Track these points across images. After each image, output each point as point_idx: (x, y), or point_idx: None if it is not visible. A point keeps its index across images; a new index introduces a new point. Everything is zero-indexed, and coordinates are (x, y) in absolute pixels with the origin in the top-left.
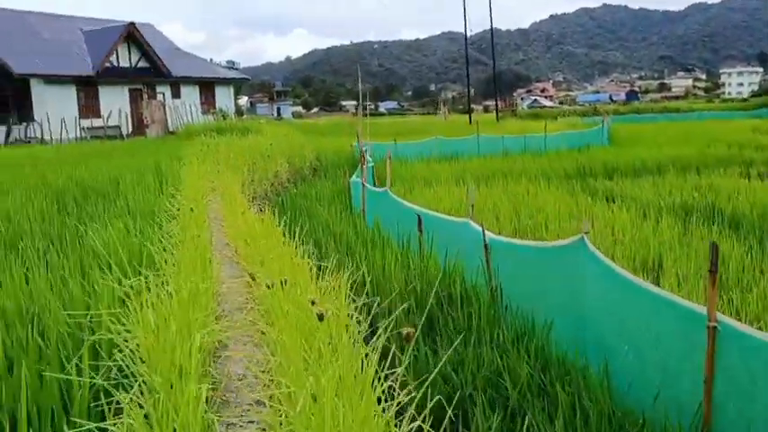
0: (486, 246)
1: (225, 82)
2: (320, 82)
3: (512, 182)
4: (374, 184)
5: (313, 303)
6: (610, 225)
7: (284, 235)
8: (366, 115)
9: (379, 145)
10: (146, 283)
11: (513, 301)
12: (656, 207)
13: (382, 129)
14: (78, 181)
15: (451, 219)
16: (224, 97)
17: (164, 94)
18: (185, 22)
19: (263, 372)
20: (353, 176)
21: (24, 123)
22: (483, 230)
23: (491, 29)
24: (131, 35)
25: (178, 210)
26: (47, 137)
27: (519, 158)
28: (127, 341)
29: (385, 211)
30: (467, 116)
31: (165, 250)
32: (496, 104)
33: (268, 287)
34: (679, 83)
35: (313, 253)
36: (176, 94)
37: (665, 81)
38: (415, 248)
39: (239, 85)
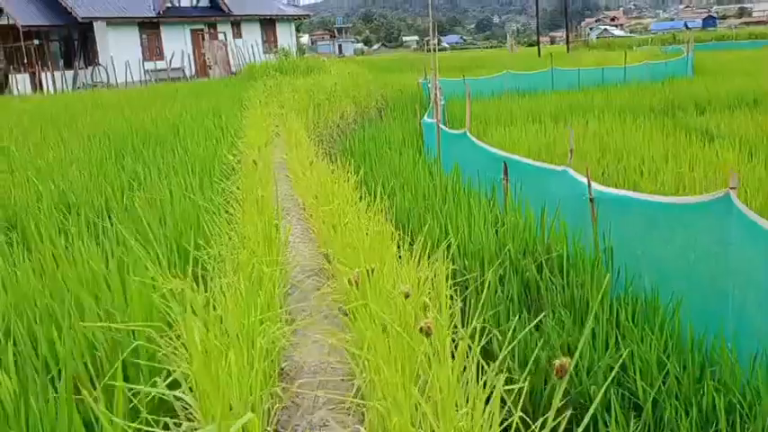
0: (591, 200)
1: (286, 19)
2: (381, 17)
3: (593, 119)
4: (446, 125)
5: (407, 296)
6: (713, 167)
7: (358, 187)
8: (433, 50)
9: (447, 81)
10: (194, 280)
11: (629, 270)
12: (762, 144)
13: (447, 64)
14: (138, 128)
15: (545, 166)
16: (286, 35)
17: (225, 34)
18: None
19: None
20: (425, 116)
21: (90, 67)
22: (588, 181)
23: None
24: None
25: (239, 162)
26: (112, 80)
27: (598, 92)
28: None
29: (463, 156)
30: (534, 48)
31: (225, 214)
32: (567, 35)
33: (350, 283)
34: (761, 7)
35: (390, 209)
36: (238, 34)
37: (745, 5)
38: (501, 202)
39: (300, 23)
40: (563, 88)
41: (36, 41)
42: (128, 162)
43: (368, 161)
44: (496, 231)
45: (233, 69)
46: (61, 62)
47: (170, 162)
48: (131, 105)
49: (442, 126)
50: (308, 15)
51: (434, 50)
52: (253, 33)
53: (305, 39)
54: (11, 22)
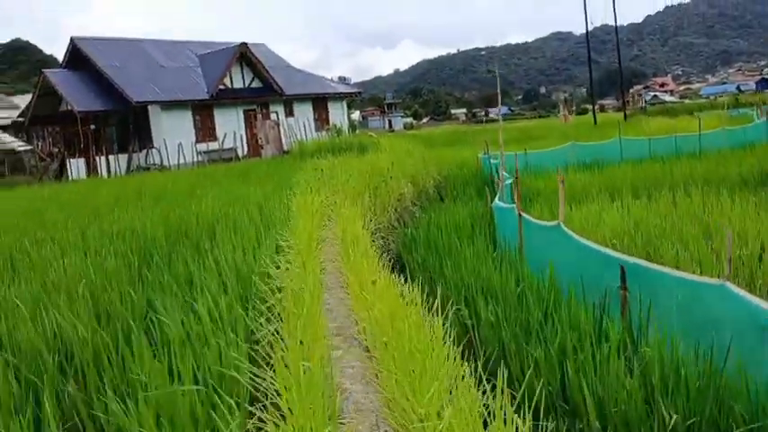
0: None
1: (338, 97)
2: (429, 92)
3: (678, 193)
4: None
5: None
6: None
7: (433, 314)
8: (485, 121)
9: (508, 155)
10: None
11: None
12: None
13: (497, 137)
14: (170, 225)
15: (688, 277)
16: (337, 112)
17: (277, 113)
18: (296, 42)
19: None
20: (496, 199)
21: (144, 151)
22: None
23: (615, 19)
24: (244, 55)
25: (279, 291)
26: (165, 162)
27: (676, 163)
28: None
29: (555, 252)
30: (587, 117)
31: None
32: (623, 102)
33: None
34: None
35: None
36: (290, 113)
37: None
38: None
39: (352, 100)
40: (633, 158)
41: (92, 126)
42: (146, 280)
43: (435, 254)
44: (629, 369)
45: (285, 147)
46: (116, 146)
47: (197, 280)
48: (174, 190)
49: (525, 215)
50: (359, 93)
51: (483, 121)
52: (304, 112)
53: (356, 115)
54: (69, 107)
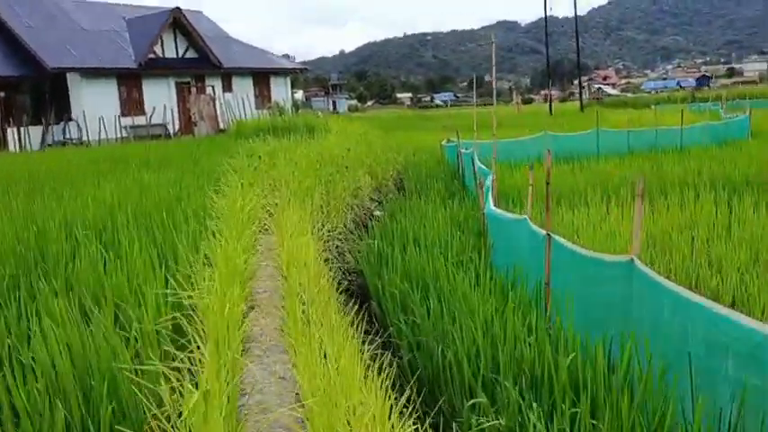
0: None
1: (281, 73)
2: (374, 75)
3: (675, 195)
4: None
5: None
6: None
7: None
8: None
9: (472, 144)
10: None
11: None
12: None
13: (457, 122)
14: (41, 230)
15: None
16: (280, 90)
17: (213, 88)
18: (237, 17)
19: None
20: (489, 203)
21: (62, 123)
22: None
23: (575, 8)
24: (178, 22)
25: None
26: (85, 137)
27: (663, 159)
28: None
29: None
30: (536, 106)
31: None
32: (581, 92)
33: None
34: (752, 67)
35: None
36: (228, 87)
37: (734, 66)
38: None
39: (296, 77)
40: (610, 152)
41: (1, 94)
42: None
43: (418, 290)
44: None
45: (221, 126)
46: (30, 117)
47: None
48: (70, 175)
49: (559, 239)
50: (305, 69)
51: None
52: (244, 87)
53: (299, 94)
54: None
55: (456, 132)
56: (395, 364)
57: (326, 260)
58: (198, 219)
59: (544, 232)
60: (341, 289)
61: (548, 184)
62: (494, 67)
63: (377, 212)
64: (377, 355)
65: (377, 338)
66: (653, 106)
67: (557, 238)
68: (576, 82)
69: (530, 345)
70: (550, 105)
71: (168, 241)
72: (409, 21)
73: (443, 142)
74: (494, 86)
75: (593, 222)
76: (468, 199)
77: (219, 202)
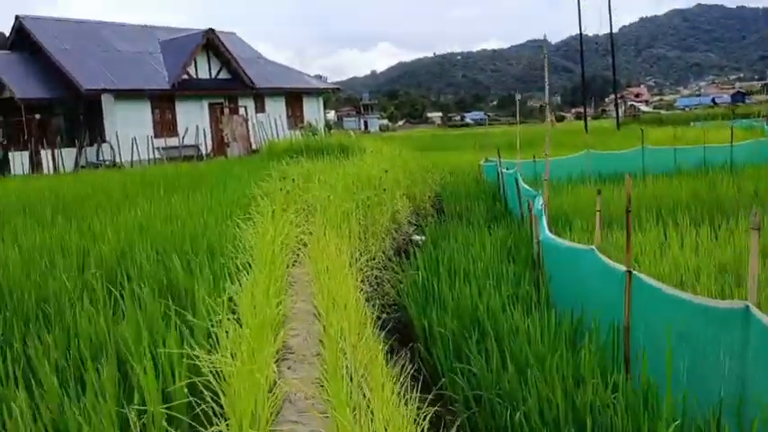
0: None
1: (314, 93)
2: (405, 94)
3: (741, 218)
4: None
5: None
6: None
7: None
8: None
9: (512, 163)
10: None
11: None
12: None
13: (492, 141)
14: (50, 264)
15: None
16: (312, 110)
17: (246, 108)
18: (270, 40)
19: None
20: (543, 230)
21: (95, 145)
22: None
23: (610, 26)
24: (211, 43)
25: None
26: (118, 159)
27: (717, 178)
28: None
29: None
30: (573, 123)
31: None
32: (617, 109)
33: None
34: None
35: None
36: (260, 108)
37: None
38: None
39: (327, 98)
40: (657, 171)
41: (37, 116)
42: None
43: (472, 330)
44: None
45: (254, 146)
46: (64, 139)
47: None
48: (95, 200)
49: (643, 277)
50: (338, 89)
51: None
52: (277, 108)
53: (331, 114)
54: (10, 94)
55: (497, 151)
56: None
57: (367, 297)
58: (224, 253)
59: (622, 268)
60: (380, 325)
61: (628, 212)
62: (546, 86)
63: (416, 237)
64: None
65: (425, 389)
66: (692, 123)
67: (640, 276)
68: (607, 99)
69: (615, 407)
70: (586, 123)
71: (188, 284)
72: (439, 41)
73: (482, 162)
74: (546, 100)
75: (652, 249)
76: (513, 223)
77: (248, 234)
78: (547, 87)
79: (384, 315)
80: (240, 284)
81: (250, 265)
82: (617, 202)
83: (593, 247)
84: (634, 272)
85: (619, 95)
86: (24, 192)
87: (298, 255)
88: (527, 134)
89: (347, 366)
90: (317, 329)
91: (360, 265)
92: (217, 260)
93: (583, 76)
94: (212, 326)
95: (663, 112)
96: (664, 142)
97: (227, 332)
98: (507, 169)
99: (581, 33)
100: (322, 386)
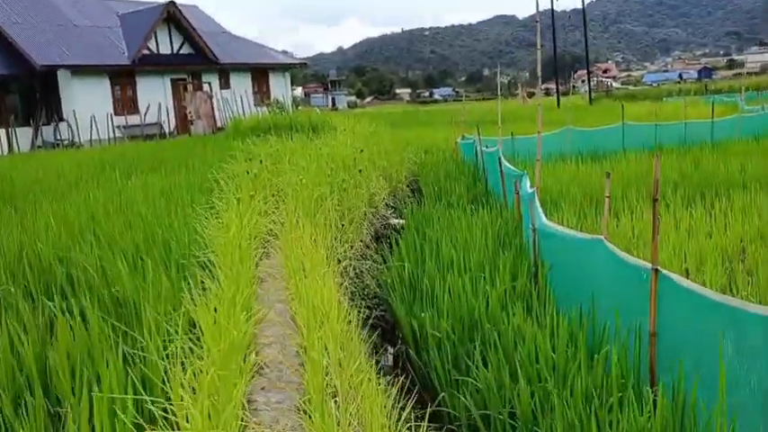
0: None
1: (280, 68)
2: (373, 71)
3: (736, 197)
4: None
5: None
6: None
7: None
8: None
9: (490, 140)
10: None
11: None
12: None
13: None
14: None
15: None
16: (279, 86)
17: (210, 84)
18: (235, 15)
19: None
20: (540, 216)
21: (53, 124)
22: None
23: (583, 5)
24: (172, 16)
25: None
26: (77, 138)
27: (700, 156)
28: None
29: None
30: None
31: None
32: (589, 84)
33: None
34: (754, 58)
35: None
36: (225, 84)
37: (734, 58)
38: None
39: (294, 74)
40: (637, 148)
41: None
42: None
43: (466, 331)
44: None
45: (219, 124)
46: (20, 118)
47: None
48: (49, 187)
49: (677, 278)
50: (305, 64)
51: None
52: (242, 84)
53: (298, 91)
54: None
55: (476, 128)
56: None
57: (351, 297)
58: (183, 252)
59: (645, 264)
60: (361, 322)
61: (655, 201)
62: (539, 63)
63: (394, 221)
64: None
65: (419, 401)
66: (665, 98)
67: (670, 275)
68: (575, 75)
69: None
70: (558, 98)
71: (137, 294)
72: (407, 16)
73: (459, 139)
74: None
75: (647, 233)
76: (495, 205)
77: (211, 225)
78: (540, 61)
79: (365, 310)
80: (202, 291)
81: (212, 264)
82: (600, 182)
83: (603, 237)
84: (662, 270)
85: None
86: None
87: (266, 246)
88: (494, 110)
89: (334, 392)
90: (295, 347)
91: (338, 256)
92: (173, 260)
93: (555, 50)
94: (166, 355)
95: (631, 87)
96: (641, 118)
97: (183, 364)
98: (487, 147)
99: (552, 7)
100: (305, 414)
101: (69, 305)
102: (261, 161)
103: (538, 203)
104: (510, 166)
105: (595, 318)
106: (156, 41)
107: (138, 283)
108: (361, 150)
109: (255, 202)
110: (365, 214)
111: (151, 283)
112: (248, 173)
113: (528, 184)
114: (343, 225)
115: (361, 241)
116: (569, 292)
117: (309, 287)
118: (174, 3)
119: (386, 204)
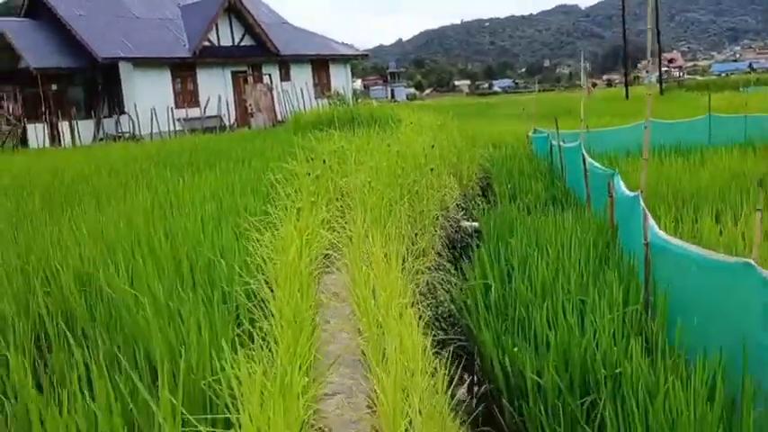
0: None
1: (341, 60)
2: (432, 63)
3: None
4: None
5: None
6: None
7: None
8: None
9: (574, 135)
10: None
11: None
12: None
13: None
14: None
15: None
16: (340, 78)
17: (270, 77)
18: (295, 7)
19: None
20: (652, 228)
21: (115, 116)
22: None
23: None
24: (233, 7)
25: None
26: (138, 131)
27: None
28: None
29: None
30: (614, 90)
31: None
32: (660, 74)
33: None
34: None
35: None
36: (286, 76)
37: None
38: None
39: (354, 66)
40: (725, 142)
41: (54, 87)
42: None
43: (585, 381)
44: None
45: (279, 117)
46: (83, 110)
47: None
48: (97, 186)
49: None
50: (366, 55)
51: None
52: (303, 76)
53: (357, 83)
54: (26, 64)
55: (555, 121)
56: None
57: (421, 314)
58: (229, 278)
59: None
60: (435, 343)
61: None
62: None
63: (465, 223)
64: None
65: None
66: (741, 89)
67: None
68: (639, 65)
69: None
70: (627, 89)
71: (169, 351)
72: (466, 7)
73: (530, 133)
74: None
75: (749, 240)
76: (579, 208)
77: (266, 246)
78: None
79: (440, 333)
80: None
81: (264, 303)
82: (692, 179)
83: (751, 260)
84: None
85: (652, 61)
86: (24, 170)
87: (328, 259)
88: (563, 102)
89: None
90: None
91: (411, 273)
92: (217, 294)
93: (625, 39)
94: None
95: (699, 77)
96: (722, 110)
97: None
98: (564, 142)
99: None
100: None
101: (83, 357)
102: (324, 160)
103: (647, 213)
104: (595, 163)
105: (745, 374)
106: (217, 33)
107: (169, 335)
108: (432, 146)
109: (318, 209)
110: (437, 218)
111: (183, 342)
112: (309, 174)
113: (622, 185)
114: (416, 234)
115: (432, 248)
116: (701, 329)
117: (385, 326)
118: None
119: (458, 206)
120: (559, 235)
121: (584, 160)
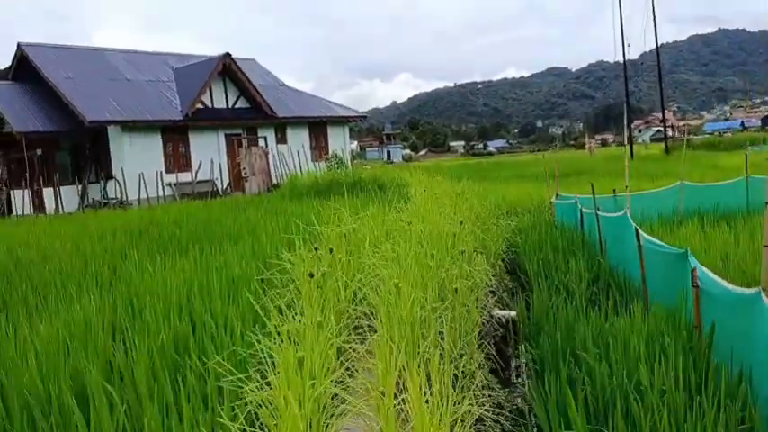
0: None
1: (339, 122)
2: (426, 124)
3: None
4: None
5: None
6: None
7: None
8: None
9: (585, 200)
10: None
11: None
12: None
13: (535, 171)
14: None
15: None
16: (338, 140)
17: (266, 139)
18: (291, 72)
19: None
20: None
21: (102, 182)
22: None
23: (656, 41)
24: (228, 69)
25: None
26: (126, 197)
27: None
28: None
29: None
30: (614, 149)
31: None
32: (665, 134)
33: None
34: None
35: None
36: (282, 139)
37: None
38: None
39: (352, 128)
40: (760, 204)
41: (39, 151)
42: None
43: None
44: None
45: (274, 180)
46: (70, 176)
47: None
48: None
49: None
50: (365, 117)
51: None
52: (299, 138)
53: (353, 145)
54: (10, 128)
55: (591, 186)
56: None
57: None
58: None
59: None
60: None
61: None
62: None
63: (499, 312)
64: None
65: None
66: (750, 147)
67: None
68: (632, 125)
69: None
70: (632, 148)
71: None
72: (459, 71)
73: (553, 199)
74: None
75: None
76: (629, 293)
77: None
78: (626, 108)
79: None
80: None
81: None
82: (745, 249)
83: None
84: None
85: (644, 121)
86: None
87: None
88: (569, 162)
89: None
90: None
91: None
92: None
93: (627, 99)
94: None
95: (693, 136)
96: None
97: None
98: (599, 210)
99: (624, 53)
100: None
101: None
102: (330, 249)
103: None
104: (653, 238)
105: None
106: (211, 95)
107: None
108: (461, 223)
109: (326, 335)
110: (476, 320)
111: None
112: (312, 275)
113: (709, 272)
114: (462, 355)
115: (470, 357)
116: None
117: None
118: (230, 55)
119: (492, 292)
120: (636, 346)
121: (637, 236)
